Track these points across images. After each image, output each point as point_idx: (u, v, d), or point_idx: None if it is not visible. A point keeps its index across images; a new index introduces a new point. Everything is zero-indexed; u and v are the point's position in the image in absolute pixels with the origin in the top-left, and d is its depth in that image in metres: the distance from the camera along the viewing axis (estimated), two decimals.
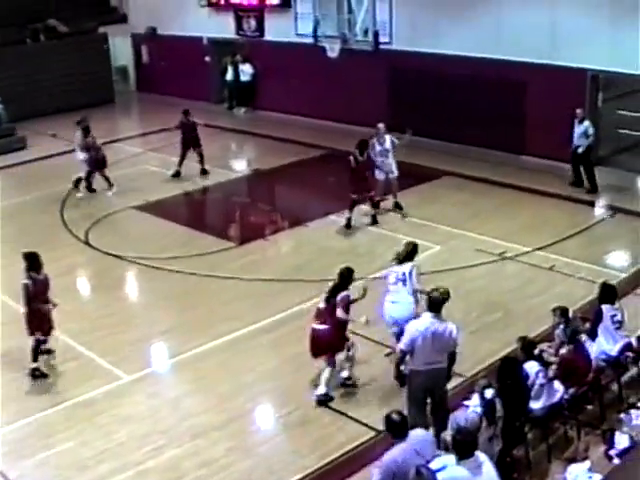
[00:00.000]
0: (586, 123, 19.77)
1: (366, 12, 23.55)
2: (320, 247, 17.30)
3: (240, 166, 24.24)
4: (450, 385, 10.85)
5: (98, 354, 13.25)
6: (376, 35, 23.28)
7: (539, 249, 16.51)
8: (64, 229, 19.02)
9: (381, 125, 18.74)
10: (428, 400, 10.31)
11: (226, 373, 12.70)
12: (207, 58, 30.74)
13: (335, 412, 11.55)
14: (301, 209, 20.35)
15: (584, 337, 11.08)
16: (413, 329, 10.03)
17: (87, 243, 18.05)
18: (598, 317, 11.43)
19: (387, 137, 18.63)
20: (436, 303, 10.08)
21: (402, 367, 10.48)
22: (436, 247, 16.89)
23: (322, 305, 11.70)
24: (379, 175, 18.75)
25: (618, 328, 11.41)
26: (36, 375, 12.75)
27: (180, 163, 22.05)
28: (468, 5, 22.48)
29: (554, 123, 20.75)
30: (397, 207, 18.95)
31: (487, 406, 9.16)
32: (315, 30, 23.71)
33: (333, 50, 23.61)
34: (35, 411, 11.86)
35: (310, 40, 24.12)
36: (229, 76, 29.97)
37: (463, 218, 18.39)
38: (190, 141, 22.05)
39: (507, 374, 9.63)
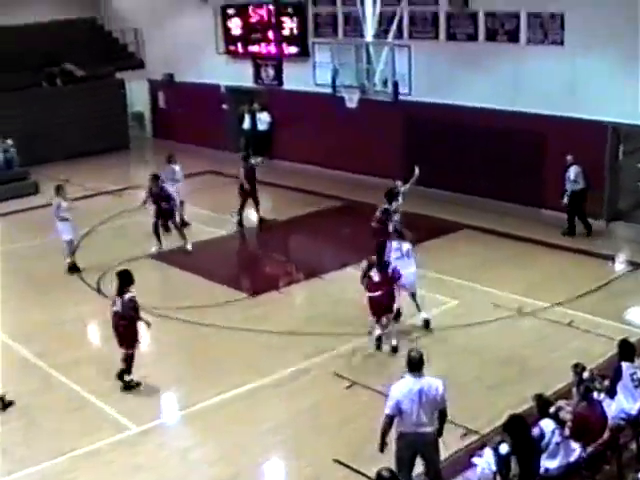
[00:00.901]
0: (572, 168, 20.21)
1: (385, 63, 23.83)
2: (335, 300, 17.35)
3: (255, 216, 24.40)
4: (464, 443, 10.83)
5: (107, 403, 13.33)
6: (395, 85, 23.48)
7: (557, 304, 16.56)
8: (76, 276, 19.20)
9: (399, 183, 18.93)
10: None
11: (237, 425, 12.73)
12: (224, 106, 31.11)
13: (348, 468, 11.55)
14: (316, 261, 20.43)
15: (602, 395, 11.09)
16: (397, 392, 9.92)
17: (99, 291, 18.20)
18: (617, 375, 11.41)
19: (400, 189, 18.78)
20: (415, 362, 10.00)
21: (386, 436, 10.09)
22: (452, 301, 16.96)
23: (377, 278, 14.74)
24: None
25: (638, 386, 11.39)
26: (131, 386, 13.69)
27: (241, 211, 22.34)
28: (486, 56, 22.82)
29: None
30: None
31: (501, 463, 9.12)
32: (334, 80, 23.92)
33: (352, 100, 23.74)
34: (41, 460, 11.89)
35: (329, 90, 24.38)
36: (246, 124, 30.29)
37: (480, 272, 18.49)
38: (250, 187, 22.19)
39: (514, 432, 9.55)
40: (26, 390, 13.79)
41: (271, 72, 29.27)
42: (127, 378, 13.89)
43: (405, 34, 24.31)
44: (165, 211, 20.62)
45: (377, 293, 14.82)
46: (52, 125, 30.59)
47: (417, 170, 19.43)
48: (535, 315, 16.23)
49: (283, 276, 19.30)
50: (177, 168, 22.46)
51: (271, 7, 28.31)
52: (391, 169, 21.73)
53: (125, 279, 13.92)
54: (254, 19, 28.99)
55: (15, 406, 13.27)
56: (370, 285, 14.89)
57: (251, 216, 22.99)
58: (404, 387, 9.93)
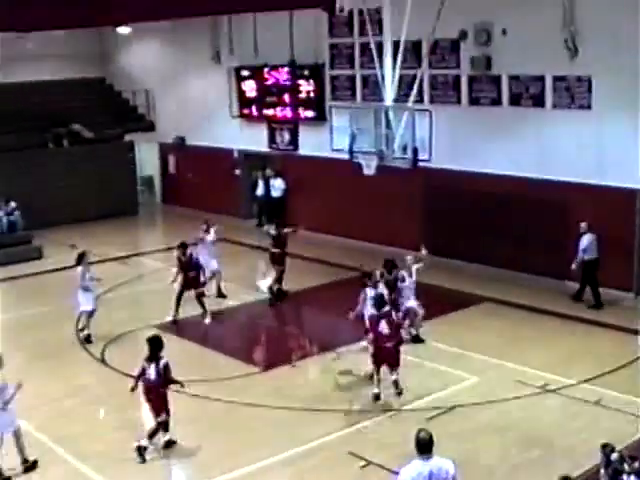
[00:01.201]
0: (586, 237, 20.44)
1: (405, 128, 24.02)
2: (350, 375, 17.33)
3: (268, 287, 24.47)
4: None
5: None
6: (415, 152, 23.63)
7: (584, 381, 16.48)
8: (79, 345, 19.27)
9: (409, 257, 19.11)
10: None
11: None
12: (237, 171, 31.42)
13: None
14: (331, 334, 20.37)
15: (632, 477, 11.00)
16: (406, 477, 9.74)
17: (103, 361, 18.23)
18: None
19: (413, 268, 18.94)
20: (424, 444, 9.80)
21: None
22: (473, 378, 16.91)
23: (387, 331, 15.77)
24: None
25: None
26: (141, 453, 13.89)
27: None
28: (510, 121, 23.08)
29: (600, 247, 20.86)
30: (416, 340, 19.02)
31: None
32: (351, 145, 24.13)
33: (370, 167, 23.90)
34: None
35: (346, 156, 24.59)
36: (260, 191, 30.50)
37: (502, 347, 18.46)
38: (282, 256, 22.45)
39: None
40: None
41: (286, 136, 29.61)
42: (144, 443, 14.09)
43: (426, 98, 24.68)
44: (192, 280, 20.65)
45: (388, 344, 15.87)
46: (58, 188, 30.88)
47: (424, 250, 19.53)
48: (561, 393, 16.14)
49: (296, 349, 19.26)
50: (213, 235, 22.64)
51: (287, 69, 28.78)
52: (410, 239, 21.83)
53: (156, 345, 14.30)
54: (269, 81, 29.47)
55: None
56: (380, 338, 15.88)
57: (264, 285, 23.09)
58: (413, 471, 9.73)
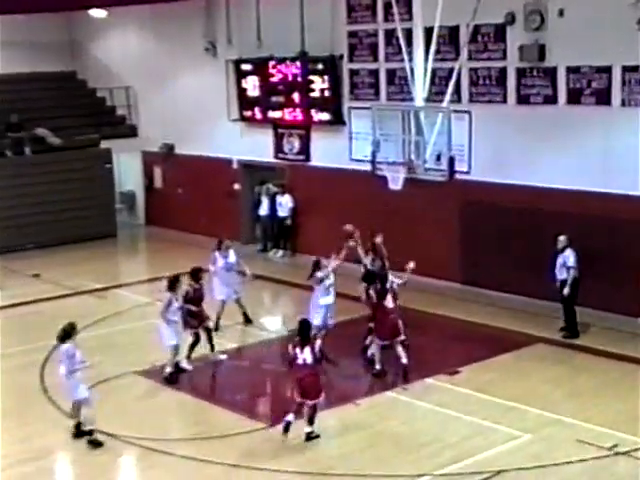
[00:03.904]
0: (567, 252, 20.61)
1: (438, 133, 23.97)
2: (372, 433, 17.21)
3: (274, 325, 24.41)
4: None
5: None
6: (451, 162, 23.62)
7: None
8: (44, 396, 19.14)
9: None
10: None
11: None
12: (236, 186, 31.46)
13: None
14: (350, 382, 20.29)
15: None
16: None
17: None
18: None
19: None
20: None
21: None
22: (525, 436, 16.75)
23: (391, 305, 19.53)
24: None
25: None
26: (310, 437, 16.54)
27: None
28: (568, 123, 23.00)
29: None
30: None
31: None
32: (374, 155, 24.15)
33: (396, 181, 23.86)
34: None
35: (367, 167, 24.57)
36: (264, 210, 30.56)
37: (560, 399, 18.33)
38: None
39: None
40: None
41: (296, 144, 29.65)
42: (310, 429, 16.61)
43: (464, 97, 24.68)
44: (195, 314, 20.64)
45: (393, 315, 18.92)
46: (19, 205, 30.90)
47: (412, 264, 20.21)
48: (634, 455, 15.96)
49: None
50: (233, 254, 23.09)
51: (297, 63, 28.84)
52: (444, 267, 21.75)
53: (308, 327, 17.10)
54: (276, 78, 29.55)
55: None
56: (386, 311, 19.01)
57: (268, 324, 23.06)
58: None
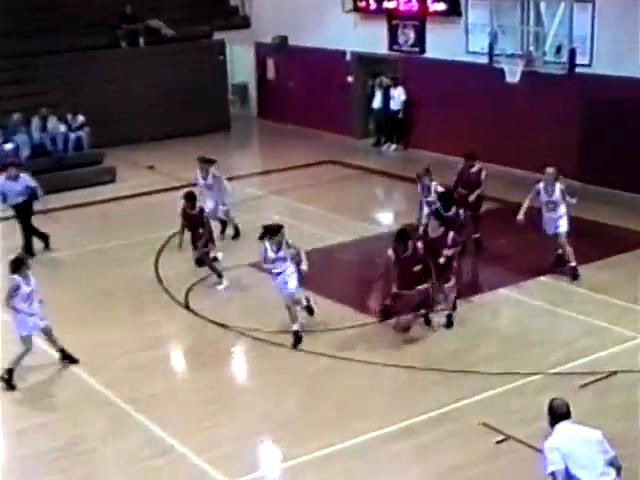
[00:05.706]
0: (558, 185, 19.13)
1: (559, 24, 23.46)
2: (483, 329, 17.22)
3: (387, 219, 24.37)
4: None
5: (193, 450, 13.43)
6: (572, 54, 23.16)
7: None
8: (159, 287, 19.50)
9: (551, 170, 18.75)
10: None
11: None
12: (350, 78, 31.26)
13: None
14: (464, 280, 20.14)
15: None
16: (555, 444, 9.63)
17: (187, 307, 18.43)
18: None
19: (557, 186, 18.76)
20: (562, 413, 9.76)
21: None
22: None
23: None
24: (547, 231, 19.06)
25: None
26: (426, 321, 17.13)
27: None
28: None
29: None
30: (573, 277, 18.93)
31: None
32: (491, 47, 23.78)
33: (513, 73, 23.51)
34: None
35: (484, 60, 24.22)
36: (377, 103, 30.42)
37: None
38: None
39: None
40: (92, 432, 14.05)
41: (411, 36, 29.32)
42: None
43: None
44: (200, 237, 19.61)
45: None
46: (132, 98, 31.15)
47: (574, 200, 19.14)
48: None
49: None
50: (215, 174, 21.78)
51: None
52: (560, 164, 21.33)
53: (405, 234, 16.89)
54: None
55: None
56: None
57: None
58: (564, 435, 9.67)
